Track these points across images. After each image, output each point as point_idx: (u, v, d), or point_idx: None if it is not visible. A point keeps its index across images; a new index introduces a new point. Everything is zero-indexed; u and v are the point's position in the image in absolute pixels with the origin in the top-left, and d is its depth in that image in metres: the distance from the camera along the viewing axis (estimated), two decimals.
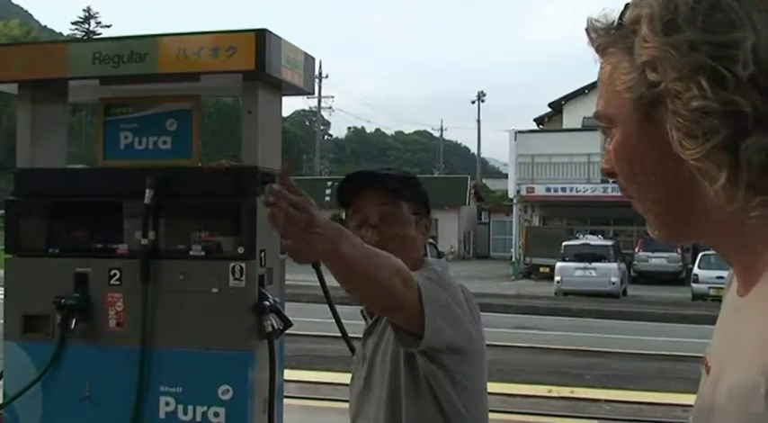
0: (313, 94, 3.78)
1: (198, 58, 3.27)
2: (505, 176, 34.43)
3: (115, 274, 3.44)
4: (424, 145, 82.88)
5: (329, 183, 38.42)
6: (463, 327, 1.84)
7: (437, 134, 71.10)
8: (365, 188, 2.06)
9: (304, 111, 68.65)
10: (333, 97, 47.73)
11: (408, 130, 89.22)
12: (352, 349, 3.59)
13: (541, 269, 28.32)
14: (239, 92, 3.49)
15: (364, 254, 1.64)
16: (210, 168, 3.38)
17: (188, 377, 3.39)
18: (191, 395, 3.39)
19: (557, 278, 23.52)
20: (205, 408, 3.36)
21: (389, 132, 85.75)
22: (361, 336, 2.18)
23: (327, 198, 28.11)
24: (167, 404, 3.39)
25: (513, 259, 31.27)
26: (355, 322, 2.17)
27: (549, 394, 8.05)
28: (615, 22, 0.91)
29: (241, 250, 3.36)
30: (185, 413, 3.38)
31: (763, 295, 0.81)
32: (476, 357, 1.90)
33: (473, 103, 61.43)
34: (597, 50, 0.94)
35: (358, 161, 69.90)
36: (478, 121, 60.45)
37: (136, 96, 3.57)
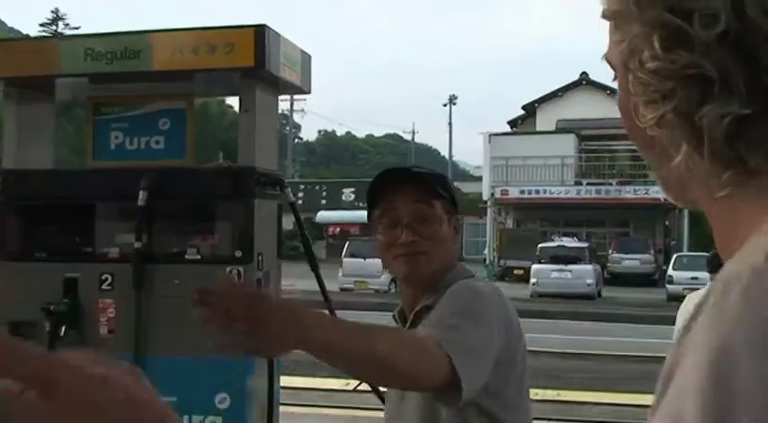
0: (310, 93, 3.68)
1: (194, 56, 3.16)
2: (477, 179, 34.51)
3: (106, 279, 3.32)
4: (395, 148, 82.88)
5: (301, 186, 38.33)
6: (493, 356, 1.73)
7: (408, 137, 71.16)
8: (399, 186, 1.96)
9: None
10: (305, 100, 47.54)
11: (379, 132, 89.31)
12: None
13: (515, 271, 28.39)
14: (235, 90, 3.39)
15: (345, 337, 1.55)
16: (208, 169, 3.28)
17: (183, 385, 3.27)
18: (186, 404, 3.27)
19: (532, 280, 23.58)
20: (202, 417, 3.25)
21: (360, 135, 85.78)
22: None
23: (300, 201, 28.03)
24: None
25: (487, 262, 31.31)
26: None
27: (536, 397, 7.98)
28: None
29: (239, 254, 3.25)
30: None
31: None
32: (511, 370, 1.82)
33: (444, 105, 61.50)
34: None
35: (328, 164, 69.85)
36: (450, 124, 60.52)
37: (127, 95, 3.45)
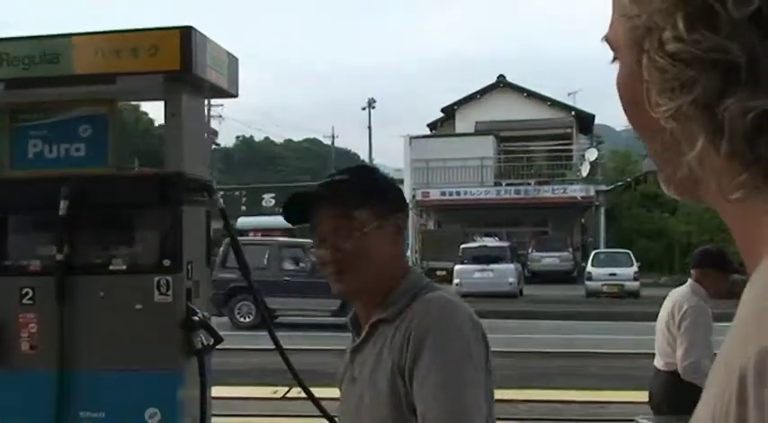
0: (237, 96, 3.60)
1: (117, 59, 3.05)
2: (397, 182, 34.66)
3: (27, 293, 3.19)
4: (315, 153, 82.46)
5: (221, 192, 37.63)
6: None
7: (327, 141, 70.88)
8: (316, 203, 1.86)
9: None
10: (222, 106, 46.92)
11: (298, 137, 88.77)
12: (287, 361, 3.43)
13: (438, 272, 28.54)
14: (160, 94, 3.29)
15: None
16: (133, 175, 3.17)
17: (111, 401, 3.17)
18: (115, 420, 3.17)
19: (456, 280, 23.72)
20: None
21: (278, 141, 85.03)
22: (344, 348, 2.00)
23: None
24: None
25: (410, 263, 31.46)
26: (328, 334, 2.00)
27: None
28: None
29: (167, 263, 3.16)
30: None
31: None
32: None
33: (364, 109, 61.49)
34: None
35: (246, 171, 69.02)
36: (369, 127, 60.58)
37: (45, 101, 3.31)
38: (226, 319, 16.66)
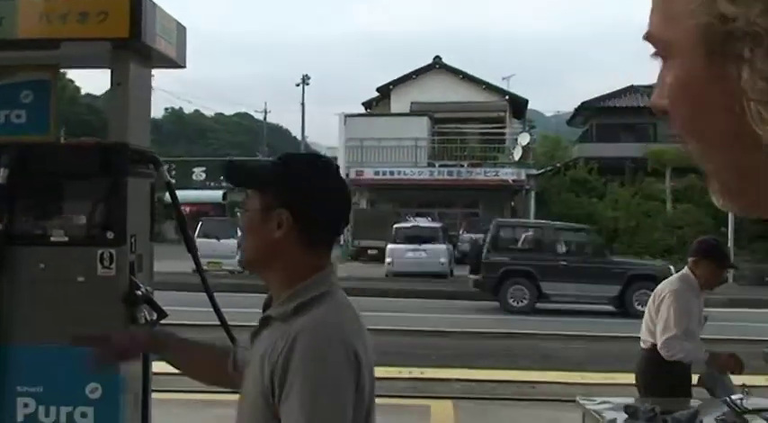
0: (185, 67, 3.52)
1: (63, 24, 2.95)
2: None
3: None
4: (246, 127, 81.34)
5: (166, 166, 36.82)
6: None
7: (259, 116, 69.87)
8: (233, 181, 2.03)
9: None
10: (153, 76, 45.85)
11: (229, 111, 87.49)
12: (232, 338, 3.39)
13: (369, 251, 28.66)
14: (106, 62, 3.19)
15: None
16: (76, 144, 3.08)
17: (50, 375, 3.09)
18: (54, 395, 3.09)
19: (388, 260, 23.84)
20: (71, 408, 3.08)
21: (209, 114, 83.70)
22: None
23: None
24: (26, 405, 3.08)
25: (342, 242, 31.47)
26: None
27: (401, 375, 8.10)
28: None
29: (110, 235, 3.09)
30: (47, 414, 3.08)
31: None
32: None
33: (297, 85, 60.87)
34: None
35: (176, 143, 67.78)
36: (303, 104, 60.02)
37: None
38: (496, 303, 16.03)
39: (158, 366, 3.67)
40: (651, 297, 4.78)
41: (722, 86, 0.62)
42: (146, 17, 2.99)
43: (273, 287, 1.88)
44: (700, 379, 4.49)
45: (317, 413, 1.67)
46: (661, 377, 4.44)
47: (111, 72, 3.14)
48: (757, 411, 3.85)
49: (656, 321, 4.51)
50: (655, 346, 4.52)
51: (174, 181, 3.64)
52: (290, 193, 1.83)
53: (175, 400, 5.07)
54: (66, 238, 3.11)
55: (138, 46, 3.08)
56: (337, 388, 1.71)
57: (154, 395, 3.42)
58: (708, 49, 0.62)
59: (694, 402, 3.94)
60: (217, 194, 36.21)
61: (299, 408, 1.67)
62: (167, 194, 3.52)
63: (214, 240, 22.73)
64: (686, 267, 4.78)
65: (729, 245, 21.92)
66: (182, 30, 3.46)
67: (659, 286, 4.79)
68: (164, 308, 3.26)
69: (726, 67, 0.61)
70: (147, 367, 3.23)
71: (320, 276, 1.84)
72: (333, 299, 1.83)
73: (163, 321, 3.28)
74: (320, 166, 1.93)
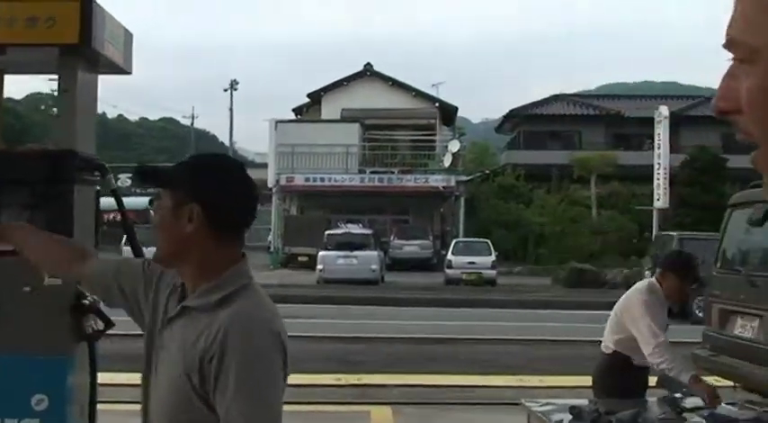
0: (131, 73, 3.49)
1: (10, 29, 2.89)
2: (259, 166, 34.19)
3: None
4: (172, 132, 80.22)
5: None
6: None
7: (186, 122, 68.85)
8: (146, 182, 2.08)
9: (40, 94, 63.73)
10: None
11: (154, 116, 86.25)
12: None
13: (300, 258, 28.53)
14: (53, 68, 3.14)
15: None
16: (23, 152, 3.02)
17: None
18: None
19: (319, 266, 23.79)
20: (16, 420, 3.01)
21: (133, 119, 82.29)
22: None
23: None
24: None
25: (272, 249, 31.25)
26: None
27: (339, 383, 8.09)
28: None
29: None
30: None
31: None
32: None
33: (225, 90, 60.28)
34: None
35: (99, 148, 66.40)
36: (231, 109, 59.44)
37: None
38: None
39: (105, 378, 3.62)
40: (618, 304, 4.77)
41: None
42: (95, 23, 2.96)
43: (188, 280, 1.98)
44: (658, 380, 4.54)
45: (254, 398, 1.81)
46: (622, 381, 4.50)
47: (59, 78, 3.10)
48: (695, 410, 4.00)
49: (631, 330, 4.48)
50: (617, 352, 4.57)
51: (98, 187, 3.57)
52: (200, 188, 1.94)
53: (123, 411, 4.98)
54: (11, 247, 3.04)
55: (87, 52, 3.04)
56: (271, 375, 1.85)
57: (100, 406, 3.37)
58: None
59: (637, 403, 4.04)
60: (141, 201, 35.62)
61: (236, 394, 1.79)
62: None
63: (143, 248, 22.34)
64: (654, 277, 4.76)
65: (654, 250, 22.56)
66: (129, 36, 3.43)
67: (627, 294, 4.77)
68: (111, 318, 3.22)
69: None
70: (94, 378, 3.18)
71: (237, 269, 1.96)
72: (254, 291, 1.97)
73: (110, 331, 3.24)
74: (226, 162, 2.10)
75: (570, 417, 3.85)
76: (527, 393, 5.27)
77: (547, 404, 4.21)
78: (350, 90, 35.14)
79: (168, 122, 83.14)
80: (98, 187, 3.43)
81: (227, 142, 64.26)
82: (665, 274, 4.64)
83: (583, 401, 4.15)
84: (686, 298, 5.40)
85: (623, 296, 4.78)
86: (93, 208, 3.39)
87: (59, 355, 3.07)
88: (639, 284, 4.83)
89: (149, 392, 2.03)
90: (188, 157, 2.15)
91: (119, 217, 3.57)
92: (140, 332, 2.19)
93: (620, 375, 4.49)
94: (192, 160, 2.09)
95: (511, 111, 42.81)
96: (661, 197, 22.47)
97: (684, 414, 3.96)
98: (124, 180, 38.80)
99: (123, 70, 3.43)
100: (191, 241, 1.93)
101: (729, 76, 0.75)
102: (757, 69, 0.71)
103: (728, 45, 0.74)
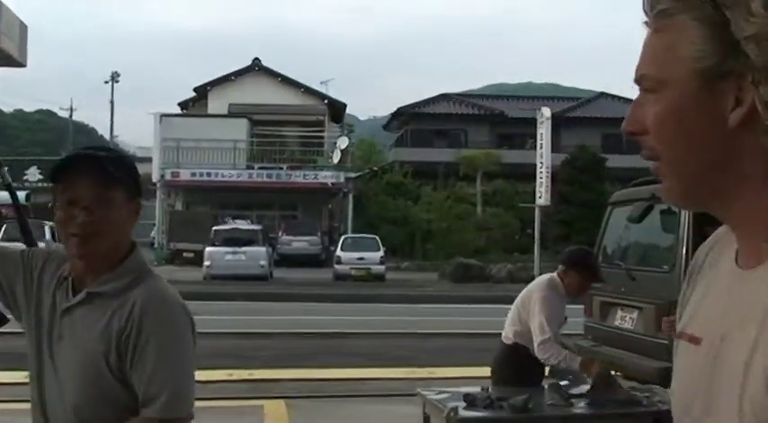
0: (25, 66, 3.39)
1: None
2: (141, 160, 33.44)
3: None
4: (49, 125, 77.38)
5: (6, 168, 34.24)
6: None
7: (64, 114, 66.45)
8: (84, 167, 2.02)
9: None
10: None
11: (30, 108, 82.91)
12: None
13: (185, 254, 28.02)
14: None
15: None
16: None
17: None
18: None
19: (206, 263, 23.42)
20: None
21: (7, 110, 78.90)
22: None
23: None
24: None
25: (156, 245, 30.60)
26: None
27: (231, 378, 8.02)
28: None
29: None
30: None
31: None
32: None
33: (106, 82, 58.52)
34: (658, 14, 0.92)
35: None
36: (112, 102, 57.72)
37: None
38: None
39: (3, 376, 3.52)
40: (520, 297, 4.83)
41: (705, 104, 0.88)
42: None
43: (97, 267, 2.03)
44: (550, 370, 4.70)
45: (175, 369, 1.94)
46: (521, 371, 4.61)
47: None
48: (580, 396, 4.20)
49: (529, 324, 4.57)
50: (517, 343, 4.68)
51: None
52: (139, 182, 2.09)
53: (22, 409, 4.83)
54: None
55: None
56: (187, 346, 2.00)
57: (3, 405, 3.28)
58: (703, 81, 0.88)
59: (529, 390, 4.21)
60: (18, 196, 34.11)
61: (156, 366, 1.92)
62: None
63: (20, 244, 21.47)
64: (555, 272, 4.81)
65: (535, 246, 23.29)
66: (24, 28, 3.35)
67: (529, 287, 4.84)
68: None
69: (712, 92, 0.88)
70: None
71: (137, 256, 2.09)
72: (156, 274, 2.11)
73: (2, 329, 3.15)
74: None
75: (465, 404, 3.99)
76: (418, 385, 5.38)
77: (441, 392, 4.33)
78: (237, 85, 34.74)
79: (45, 114, 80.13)
80: None
81: (106, 135, 62.38)
82: (568, 272, 4.70)
83: (476, 389, 4.29)
84: (586, 294, 5.55)
85: (525, 289, 4.86)
86: None
87: None
88: (540, 279, 4.89)
89: (44, 384, 2.05)
90: (96, 147, 2.17)
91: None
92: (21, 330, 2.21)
93: (519, 366, 4.62)
94: (116, 154, 2.15)
95: (398, 109, 43.31)
96: (543, 195, 23.17)
97: (572, 399, 4.16)
98: (3, 174, 37.32)
99: (18, 63, 3.37)
100: (123, 231, 2.05)
101: (637, 104, 0.94)
102: (663, 96, 0.90)
103: (639, 80, 0.93)
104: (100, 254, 2.02)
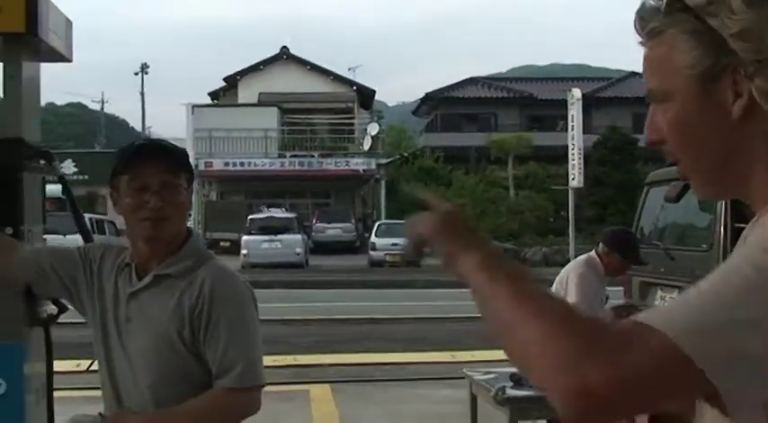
0: (71, 61, 3.49)
1: None
2: None
3: None
4: (80, 118, 78.16)
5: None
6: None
7: (95, 107, 67.06)
8: (151, 157, 2.18)
9: None
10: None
11: (61, 101, 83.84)
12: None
13: (222, 243, 28.29)
14: None
15: None
16: None
17: None
18: None
19: (243, 251, 23.67)
20: None
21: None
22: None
23: None
24: None
25: (194, 235, 30.91)
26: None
27: (276, 363, 8.16)
28: (663, 8, 0.99)
29: (9, 231, 3.04)
30: None
31: None
32: None
33: (136, 74, 58.91)
34: (650, 33, 1.01)
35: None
36: (142, 94, 58.15)
37: None
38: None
39: (60, 365, 3.62)
40: (557, 279, 4.84)
41: (707, 106, 0.96)
42: (41, 12, 2.97)
43: (164, 250, 2.18)
44: None
45: (246, 341, 2.11)
46: None
47: (4, 66, 3.09)
48: None
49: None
50: None
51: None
52: (191, 171, 2.30)
53: (79, 397, 4.97)
54: None
55: (32, 40, 3.04)
56: (253, 320, 2.16)
57: (57, 393, 3.39)
58: (701, 86, 0.96)
59: None
60: (56, 189, 34.62)
61: (230, 339, 2.07)
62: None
63: (60, 237, 21.86)
64: (594, 251, 4.83)
65: (570, 228, 23.21)
66: (69, 24, 3.44)
67: (565, 268, 4.87)
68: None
69: (711, 94, 0.96)
70: (51, 363, 3.20)
71: (195, 241, 2.27)
72: (213, 254, 2.32)
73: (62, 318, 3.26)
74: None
75: (512, 383, 4.05)
76: (459, 368, 5.45)
77: (488, 373, 4.40)
78: (266, 74, 34.88)
79: (77, 107, 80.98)
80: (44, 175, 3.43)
81: (138, 127, 62.83)
82: (610, 252, 4.71)
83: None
84: (623, 275, 5.55)
85: (563, 269, 4.90)
86: (41, 196, 3.40)
87: (14, 342, 3.08)
88: (578, 259, 4.93)
89: (114, 365, 2.19)
90: (153, 140, 2.48)
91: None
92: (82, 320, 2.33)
93: None
94: (171, 145, 2.31)
95: (427, 94, 43.23)
96: (576, 177, 23.05)
97: None
98: (68, 166, 37.91)
99: (65, 58, 3.44)
100: (185, 221, 2.24)
101: (652, 115, 1.03)
102: (671, 106, 0.99)
103: (650, 95, 1.02)
104: (166, 238, 2.17)
